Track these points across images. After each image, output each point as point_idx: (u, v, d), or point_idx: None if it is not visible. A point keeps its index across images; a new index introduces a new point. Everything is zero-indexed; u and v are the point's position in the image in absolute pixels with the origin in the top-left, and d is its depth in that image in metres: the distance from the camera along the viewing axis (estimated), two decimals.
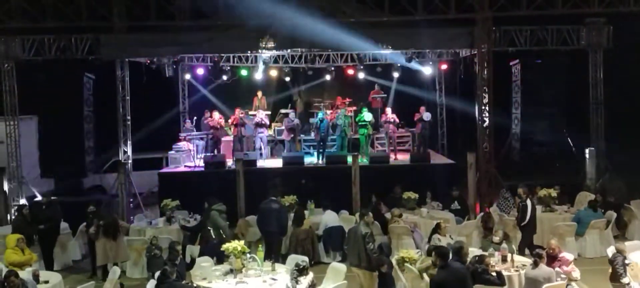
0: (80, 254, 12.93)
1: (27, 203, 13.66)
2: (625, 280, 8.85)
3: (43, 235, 11.68)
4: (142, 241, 11.54)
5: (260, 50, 15.84)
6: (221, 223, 11.08)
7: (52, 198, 12.64)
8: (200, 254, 10.28)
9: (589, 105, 16.16)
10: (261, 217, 11.35)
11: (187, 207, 13.49)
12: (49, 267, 11.52)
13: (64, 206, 12.97)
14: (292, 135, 17.33)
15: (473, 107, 15.43)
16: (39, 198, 12.23)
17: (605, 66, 15.90)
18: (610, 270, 9.13)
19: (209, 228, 11.10)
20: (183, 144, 18.02)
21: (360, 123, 17.10)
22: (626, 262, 9.02)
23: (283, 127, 17.69)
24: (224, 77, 18.83)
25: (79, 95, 18.80)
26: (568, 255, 9.36)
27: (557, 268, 8.98)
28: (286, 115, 17.91)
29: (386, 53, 16.75)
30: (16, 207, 13.92)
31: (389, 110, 17.29)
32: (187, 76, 19.84)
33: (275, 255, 10.83)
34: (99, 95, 19.10)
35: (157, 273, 8.79)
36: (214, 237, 10.87)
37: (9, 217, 14.45)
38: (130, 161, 16.30)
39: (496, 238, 9.74)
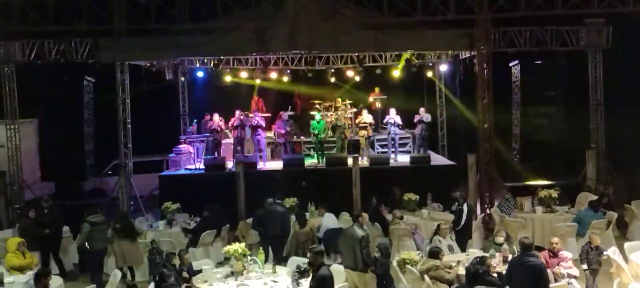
0: None
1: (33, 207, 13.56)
2: (583, 266, 9.59)
3: (48, 239, 11.63)
4: (144, 244, 11.53)
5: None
6: (84, 236, 10.71)
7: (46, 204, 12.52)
8: (83, 266, 10.15)
9: (589, 106, 16.16)
10: (265, 219, 11.26)
11: (188, 209, 13.50)
12: (61, 271, 11.50)
13: (64, 209, 12.96)
14: (288, 137, 17.36)
15: (473, 108, 15.43)
16: (45, 202, 12.12)
17: (605, 67, 15.91)
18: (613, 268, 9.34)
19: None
20: (183, 147, 18.02)
21: (360, 125, 17.13)
22: (604, 253, 9.58)
23: (282, 129, 17.71)
24: (225, 79, 18.86)
25: (79, 98, 18.78)
26: (566, 254, 9.38)
27: (556, 267, 9.00)
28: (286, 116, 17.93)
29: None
30: (20, 210, 13.90)
31: (392, 111, 17.30)
32: (182, 79, 19.85)
33: (277, 257, 10.84)
34: (99, 98, 19.10)
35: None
36: (87, 247, 10.66)
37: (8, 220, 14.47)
38: (130, 164, 16.30)
39: (500, 240, 9.73)
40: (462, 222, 11.16)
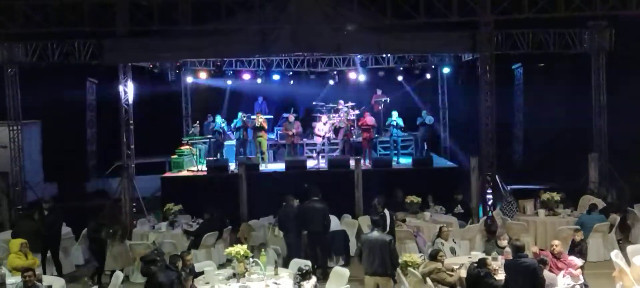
0: (83, 259, 12.94)
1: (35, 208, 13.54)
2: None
3: (47, 241, 11.64)
4: (145, 246, 11.52)
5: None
6: None
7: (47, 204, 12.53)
8: None
9: (592, 109, 16.14)
10: (303, 216, 11.28)
11: (190, 211, 13.50)
12: (59, 272, 11.51)
13: (67, 211, 12.98)
14: (292, 139, 17.38)
15: (476, 111, 15.42)
16: (45, 204, 12.18)
17: (608, 69, 15.87)
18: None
19: None
20: (186, 148, 18.04)
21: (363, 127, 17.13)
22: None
23: (285, 131, 17.73)
24: (228, 82, 18.89)
25: (82, 100, 18.85)
26: (577, 260, 9.39)
27: (562, 272, 8.99)
28: (288, 119, 17.95)
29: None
30: (23, 212, 13.90)
31: (395, 113, 17.31)
32: (189, 80, 19.87)
33: (322, 255, 11.05)
34: (102, 99, 19.14)
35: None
36: None
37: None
38: (133, 165, 16.31)
39: (503, 243, 9.70)
40: (387, 228, 10.62)
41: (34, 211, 12.27)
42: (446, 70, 19.39)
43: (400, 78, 19.44)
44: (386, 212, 10.86)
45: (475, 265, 8.51)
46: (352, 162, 15.39)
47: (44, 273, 11.16)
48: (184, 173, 17.01)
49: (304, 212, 11.35)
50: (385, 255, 8.73)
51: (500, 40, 15.11)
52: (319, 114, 18.46)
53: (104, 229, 11.08)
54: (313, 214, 11.19)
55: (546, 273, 8.38)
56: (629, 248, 10.04)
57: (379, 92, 19.53)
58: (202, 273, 9.11)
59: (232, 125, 17.51)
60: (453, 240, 10.96)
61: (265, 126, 17.46)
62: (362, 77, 19.26)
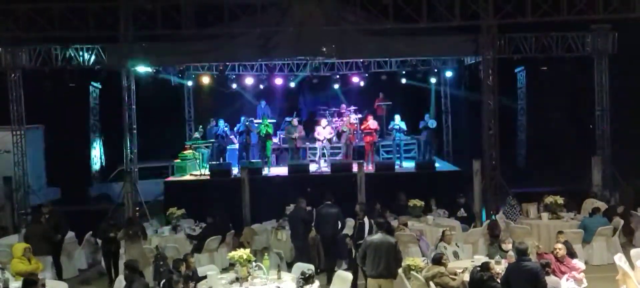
0: (87, 263, 12.95)
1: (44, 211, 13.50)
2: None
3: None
4: (148, 249, 11.53)
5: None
6: None
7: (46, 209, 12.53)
8: None
9: (595, 112, 16.12)
10: (318, 220, 11.37)
11: (193, 215, 13.51)
12: (59, 275, 11.51)
13: (70, 215, 12.99)
14: (295, 143, 17.39)
15: (478, 114, 15.41)
16: (45, 208, 12.21)
17: (611, 72, 15.86)
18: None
19: None
20: (189, 153, 18.06)
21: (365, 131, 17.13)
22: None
23: (287, 135, 17.73)
24: (232, 86, 18.92)
25: (85, 104, 18.88)
26: (580, 264, 9.37)
27: (566, 276, 8.98)
28: (290, 123, 17.95)
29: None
30: (26, 216, 13.91)
31: (397, 117, 17.31)
32: (190, 83, 19.89)
33: (331, 258, 11.17)
34: (105, 104, 19.18)
35: (162, 282, 8.82)
36: None
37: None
38: (136, 170, 16.32)
39: (508, 246, 9.68)
40: (365, 236, 10.31)
41: (41, 215, 12.31)
42: (449, 73, 19.39)
43: (403, 81, 19.43)
44: (365, 220, 10.73)
45: (479, 268, 8.49)
46: (354, 166, 15.38)
47: (59, 277, 11.19)
48: (187, 177, 17.02)
49: (318, 216, 11.37)
50: (390, 258, 8.70)
51: (503, 44, 15.13)
52: (320, 118, 18.47)
53: (123, 230, 11.08)
54: (328, 218, 11.23)
55: (550, 277, 8.38)
56: (633, 252, 10.00)
57: (382, 95, 19.54)
58: (205, 277, 9.11)
59: (235, 129, 17.52)
60: (456, 243, 10.95)
61: (271, 131, 17.47)
62: (365, 81, 19.27)
